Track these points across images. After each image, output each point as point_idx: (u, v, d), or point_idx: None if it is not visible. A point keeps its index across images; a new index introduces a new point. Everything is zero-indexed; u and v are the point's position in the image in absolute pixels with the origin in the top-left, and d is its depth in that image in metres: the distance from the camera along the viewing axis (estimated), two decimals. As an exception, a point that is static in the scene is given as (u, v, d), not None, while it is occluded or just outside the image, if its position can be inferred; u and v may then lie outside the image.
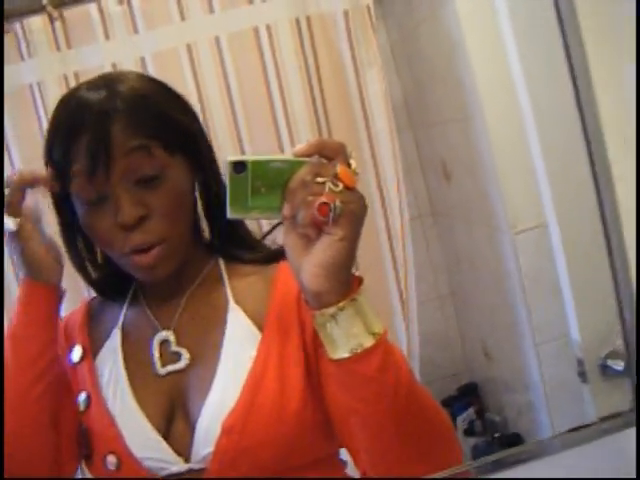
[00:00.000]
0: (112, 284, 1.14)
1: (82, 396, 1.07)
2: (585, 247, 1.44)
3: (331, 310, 0.82)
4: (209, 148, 1.09)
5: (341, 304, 0.82)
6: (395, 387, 0.87)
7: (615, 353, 1.43)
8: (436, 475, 0.93)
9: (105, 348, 1.10)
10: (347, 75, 1.81)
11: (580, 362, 1.49)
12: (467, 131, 1.89)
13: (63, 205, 1.04)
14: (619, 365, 1.42)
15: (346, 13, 1.77)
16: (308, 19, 1.76)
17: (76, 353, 1.11)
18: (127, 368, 1.07)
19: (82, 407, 1.06)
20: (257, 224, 1.17)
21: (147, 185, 0.98)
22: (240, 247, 1.12)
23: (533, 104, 1.47)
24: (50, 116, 1.02)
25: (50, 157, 1.00)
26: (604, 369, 1.46)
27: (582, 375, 1.50)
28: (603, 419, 1.26)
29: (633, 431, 1.21)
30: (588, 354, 1.47)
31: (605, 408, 1.48)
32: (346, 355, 0.84)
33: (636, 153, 1.30)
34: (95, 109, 0.96)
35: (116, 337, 1.10)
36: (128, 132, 0.96)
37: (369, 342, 0.84)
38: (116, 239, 0.98)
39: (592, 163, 1.31)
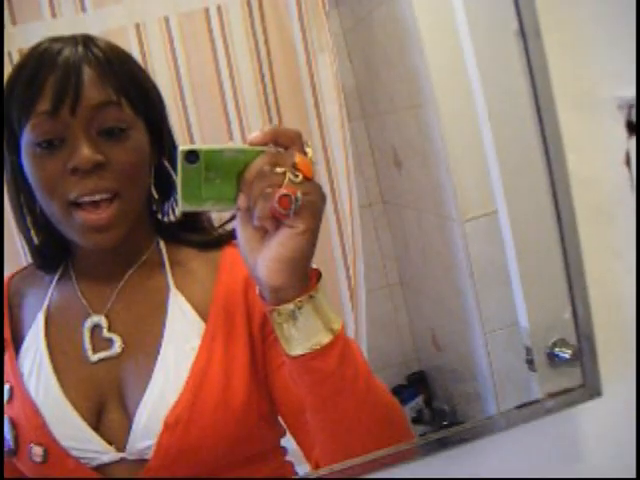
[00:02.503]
0: (47, 253, 1.09)
1: (5, 387, 1.03)
2: (534, 235, 1.45)
3: (289, 307, 0.80)
4: (167, 122, 1.06)
5: (299, 300, 0.80)
6: (353, 381, 0.86)
7: (562, 341, 1.44)
8: (381, 452, 0.93)
9: (30, 333, 1.06)
10: (298, 59, 1.79)
11: (528, 350, 1.50)
12: (419, 119, 1.89)
13: (11, 154, 1.00)
14: (566, 353, 1.42)
15: (298, -5, 1.75)
16: (260, 1, 1.73)
17: None
18: (51, 354, 1.03)
19: (5, 398, 1.02)
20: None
21: (109, 137, 0.96)
22: (186, 228, 1.09)
23: (485, 92, 1.46)
24: (14, 65, 0.99)
25: (10, 99, 0.96)
26: (552, 357, 1.47)
27: (530, 363, 1.50)
28: (552, 395, 1.28)
29: (579, 409, 1.23)
30: (536, 342, 1.47)
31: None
32: (303, 352, 0.82)
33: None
34: (68, 53, 0.95)
35: (40, 321, 1.06)
36: (100, 81, 0.95)
37: (327, 338, 0.82)
38: (65, 184, 0.94)
39: (547, 157, 1.32)
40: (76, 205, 0.95)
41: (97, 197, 0.94)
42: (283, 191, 0.76)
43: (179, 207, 0.80)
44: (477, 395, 2.05)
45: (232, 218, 1.00)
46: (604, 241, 1.34)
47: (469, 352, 2.00)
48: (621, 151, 1.32)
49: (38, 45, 0.98)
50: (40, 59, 0.95)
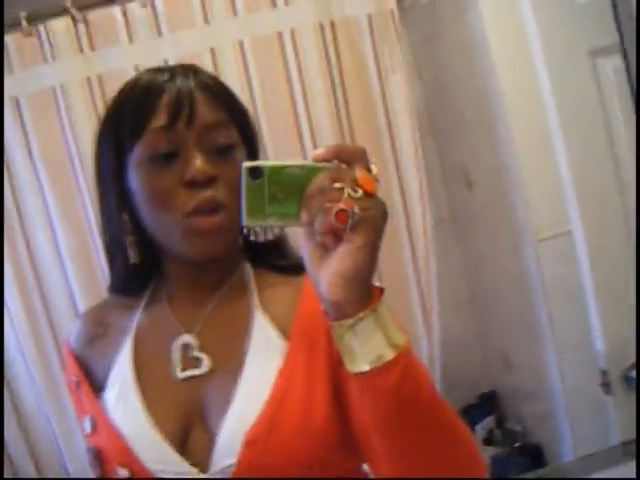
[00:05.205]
0: (138, 275, 1.11)
1: (86, 419, 1.06)
2: (610, 255, 1.43)
3: (350, 321, 0.80)
4: (257, 149, 1.08)
5: (361, 314, 0.80)
6: (415, 402, 0.85)
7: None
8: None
9: (117, 361, 1.08)
10: (371, 80, 1.80)
11: (604, 373, 1.47)
12: (490, 138, 1.88)
13: (116, 178, 1.02)
14: (644, 376, 1.40)
15: (370, 17, 1.76)
16: (332, 23, 1.75)
17: (73, 383, 1.10)
18: (139, 377, 1.05)
19: (88, 429, 1.05)
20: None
21: (219, 154, 0.98)
22: (272, 254, 1.11)
23: (559, 111, 1.45)
24: (117, 93, 1.02)
25: (119, 120, 1.00)
26: (627, 380, 1.44)
27: (605, 386, 1.48)
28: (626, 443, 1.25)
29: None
30: (612, 365, 1.45)
31: (627, 419, 1.47)
32: (366, 368, 0.82)
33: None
34: (179, 81, 0.99)
35: (127, 347, 1.08)
36: (211, 103, 0.98)
37: (390, 354, 0.81)
38: (180, 197, 0.96)
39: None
40: (190, 215, 0.97)
41: (212, 205, 0.96)
42: (340, 206, 0.76)
43: (243, 222, 0.81)
44: (549, 416, 2.02)
45: None
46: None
47: (541, 372, 1.97)
48: None
49: (140, 76, 1.01)
50: (150, 85, 0.98)
